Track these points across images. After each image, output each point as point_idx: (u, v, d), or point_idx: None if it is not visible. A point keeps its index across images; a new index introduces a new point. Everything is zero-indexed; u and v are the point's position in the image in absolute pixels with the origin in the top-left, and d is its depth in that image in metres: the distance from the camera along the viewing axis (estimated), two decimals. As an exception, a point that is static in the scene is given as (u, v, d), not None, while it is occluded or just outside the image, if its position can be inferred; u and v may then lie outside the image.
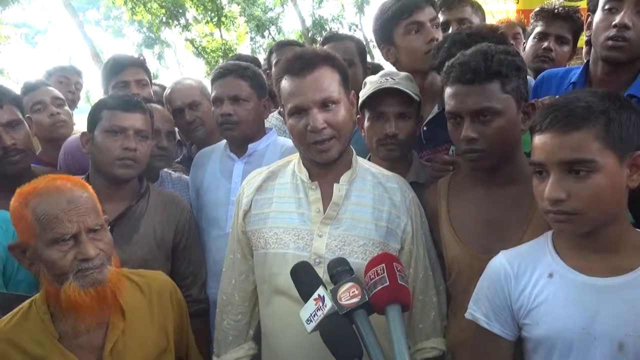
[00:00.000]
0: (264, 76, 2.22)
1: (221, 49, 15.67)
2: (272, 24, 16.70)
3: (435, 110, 1.91)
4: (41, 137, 2.49)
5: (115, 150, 1.71)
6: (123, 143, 1.72)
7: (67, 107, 2.56)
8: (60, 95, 2.57)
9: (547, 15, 2.35)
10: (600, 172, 1.05)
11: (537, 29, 2.37)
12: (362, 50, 2.47)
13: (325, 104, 1.34)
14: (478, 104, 1.33)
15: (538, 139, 1.12)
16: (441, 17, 2.30)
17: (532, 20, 2.45)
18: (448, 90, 1.40)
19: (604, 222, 1.10)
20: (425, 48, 1.90)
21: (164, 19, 14.70)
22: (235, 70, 2.00)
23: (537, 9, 2.42)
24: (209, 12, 15.18)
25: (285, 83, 1.38)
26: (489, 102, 1.33)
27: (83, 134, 1.81)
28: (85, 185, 1.32)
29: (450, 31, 2.18)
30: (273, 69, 2.77)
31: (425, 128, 1.92)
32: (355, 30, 16.65)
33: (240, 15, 16.14)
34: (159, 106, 2.14)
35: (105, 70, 2.47)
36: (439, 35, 1.93)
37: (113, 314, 1.32)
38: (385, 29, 2.02)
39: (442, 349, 1.47)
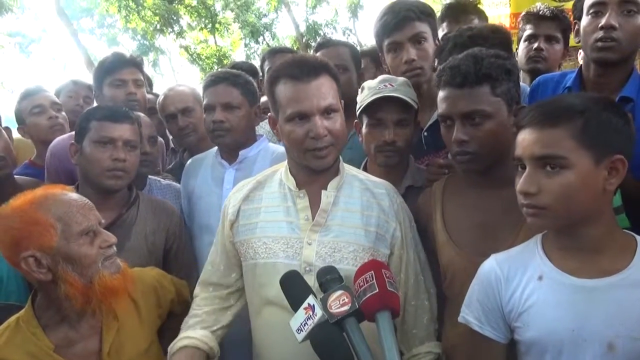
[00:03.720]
0: (258, 84, 2.23)
1: (216, 55, 15.70)
2: (267, 30, 16.72)
3: (435, 115, 1.91)
4: (37, 140, 2.52)
5: (104, 161, 1.72)
6: (112, 154, 1.72)
7: (64, 113, 2.57)
8: (58, 100, 2.58)
9: (533, 17, 2.39)
10: (572, 170, 1.07)
11: (527, 32, 2.40)
12: (356, 55, 2.48)
13: (327, 112, 1.34)
14: (468, 107, 1.35)
15: (519, 135, 1.15)
16: (447, 28, 2.28)
17: (520, 25, 2.48)
18: (440, 94, 1.42)
19: (578, 220, 1.11)
20: (402, 68, 1.92)
21: (158, 26, 14.69)
22: (227, 77, 2.01)
23: (523, 13, 2.45)
24: (203, 19, 15.20)
25: (284, 87, 1.35)
26: (478, 105, 1.34)
27: (72, 144, 1.81)
28: (73, 190, 1.40)
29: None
30: (266, 76, 2.78)
31: (426, 133, 1.93)
32: (349, 35, 16.71)
33: (234, 22, 16.16)
34: (139, 113, 2.14)
35: (103, 66, 2.46)
36: (423, 52, 1.91)
37: (105, 316, 1.36)
38: (377, 42, 2.07)
39: (437, 352, 1.46)
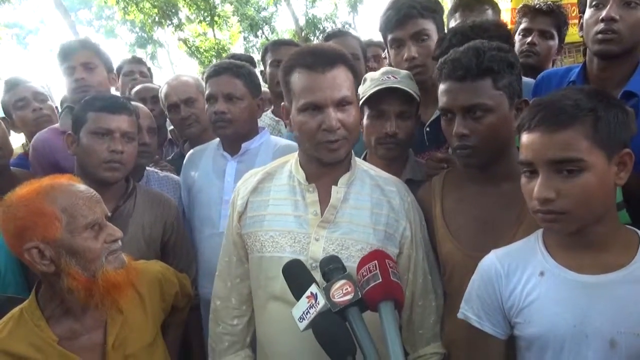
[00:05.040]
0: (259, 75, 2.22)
1: (214, 48, 15.62)
2: (266, 24, 16.64)
3: (438, 111, 1.91)
4: (27, 133, 2.49)
5: (101, 152, 1.70)
6: (109, 145, 1.71)
7: (50, 102, 2.53)
8: (42, 90, 2.54)
9: (529, 11, 2.39)
10: (589, 171, 1.05)
11: (522, 26, 2.40)
12: (363, 47, 2.50)
13: (341, 104, 1.31)
14: (469, 101, 1.33)
15: (526, 138, 1.11)
16: (460, 18, 2.25)
17: (516, 18, 2.47)
18: (441, 87, 1.40)
19: (593, 220, 1.10)
20: (403, 65, 1.90)
21: (157, 19, 14.62)
22: (230, 68, 1.99)
23: (520, 6, 2.46)
24: (202, 12, 15.12)
25: (299, 77, 1.32)
26: (480, 98, 1.33)
27: (68, 135, 1.80)
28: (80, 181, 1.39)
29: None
30: (268, 68, 2.76)
31: (428, 129, 1.91)
32: (348, 30, 16.64)
33: (233, 15, 16.08)
34: (138, 103, 2.14)
35: (57, 57, 2.37)
36: (425, 49, 1.89)
37: (110, 309, 1.35)
38: (382, 36, 2.06)
39: (442, 352, 1.45)
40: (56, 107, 2.63)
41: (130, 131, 1.77)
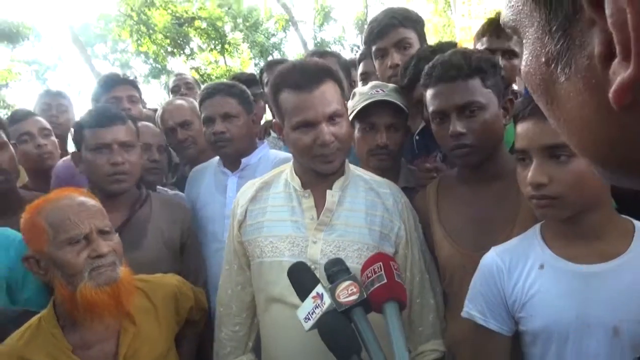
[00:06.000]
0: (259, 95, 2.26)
1: (225, 75, 15.88)
2: (275, 49, 16.92)
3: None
4: (28, 168, 2.46)
5: (103, 167, 1.71)
6: (110, 158, 1.71)
7: (53, 137, 2.52)
8: (47, 125, 2.53)
9: (489, 30, 2.05)
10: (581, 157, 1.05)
11: (484, 47, 2.04)
12: (345, 65, 2.52)
13: (332, 118, 1.34)
14: (463, 99, 1.35)
15: (520, 127, 1.13)
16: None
17: (475, 39, 2.17)
18: (430, 91, 1.42)
19: (586, 206, 1.10)
20: (387, 73, 1.94)
21: (169, 49, 14.98)
22: (222, 89, 2.04)
23: (480, 27, 2.15)
24: (213, 40, 15.45)
25: (287, 97, 1.35)
26: (473, 96, 1.35)
27: (74, 153, 1.82)
28: (91, 194, 1.40)
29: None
30: (266, 87, 2.82)
31: (417, 137, 1.93)
32: (357, 51, 16.80)
33: (244, 42, 16.40)
34: (147, 123, 2.18)
35: (99, 86, 2.50)
36: (408, 57, 1.87)
37: (123, 320, 1.36)
38: (367, 50, 2.11)
39: (442, 350, 1.45)
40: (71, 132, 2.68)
41: (128, 139, 1.76)
